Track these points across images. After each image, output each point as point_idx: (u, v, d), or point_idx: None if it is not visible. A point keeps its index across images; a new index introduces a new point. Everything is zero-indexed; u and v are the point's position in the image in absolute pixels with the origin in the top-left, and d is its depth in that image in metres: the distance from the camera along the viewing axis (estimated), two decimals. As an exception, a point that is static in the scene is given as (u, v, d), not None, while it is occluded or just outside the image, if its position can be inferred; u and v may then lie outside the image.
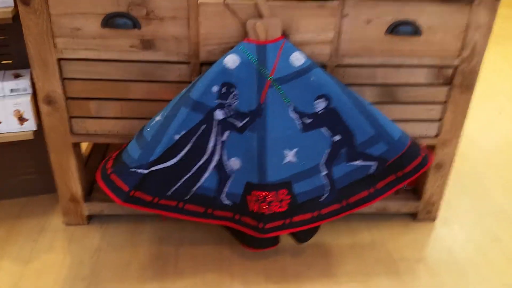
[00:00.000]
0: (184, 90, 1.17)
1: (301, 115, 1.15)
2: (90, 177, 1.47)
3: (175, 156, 1.14)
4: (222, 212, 1.24)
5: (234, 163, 1.18)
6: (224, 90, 1.12)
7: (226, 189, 1.21)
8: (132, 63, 1.21)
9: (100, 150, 1.65)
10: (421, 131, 1.35)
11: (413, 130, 1.34)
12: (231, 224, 1.26)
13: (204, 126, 1.13)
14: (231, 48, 1.14)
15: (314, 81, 1.13)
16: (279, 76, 1.12)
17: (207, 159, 1.17)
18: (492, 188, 1.71)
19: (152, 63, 1.21)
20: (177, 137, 1.12)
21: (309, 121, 1.16)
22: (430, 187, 1.46)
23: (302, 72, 1.12)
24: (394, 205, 1.50)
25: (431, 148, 1.39)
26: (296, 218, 1.23)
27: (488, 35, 1.22)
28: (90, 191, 1.47)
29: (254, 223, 1.21)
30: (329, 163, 1.21)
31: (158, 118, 1.15)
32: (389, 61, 1.24)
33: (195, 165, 1.17)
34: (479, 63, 1.26)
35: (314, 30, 1.15)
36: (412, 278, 1.32)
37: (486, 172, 1.79)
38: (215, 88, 1.11)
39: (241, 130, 1.15)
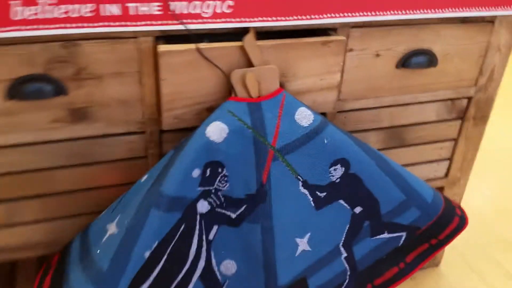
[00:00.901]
0: (145, 177, 0.80)
1: (314, 189, 0.85)
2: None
3: (148, 277, 0.78)
4: None
5: (227, 268, 0.85)
6: (208, 172, 0.78)
7: None
8: (57, 143, 0.81)
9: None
10: (430, 172, 1.12)
11: (421, 172, 1.11)
12: None
13: (184, 225, 0.79)
14: (209, 109, 0.79)
15: (329, 144, 0.83)
16: (284, 143, 0.80)
17: (189, 269, 0.82)
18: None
19: (87, 139, 0.82)
20: (148, 254, 0.76)
21: (323, 194, 0.86)
22: (435, 232, 1.24)
23: (312, 133, 0.82)
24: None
25: (440, 189, 1.17)
26: None
27: (507, 58, 1.01)
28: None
29: None
30: (349, 241, 0.92)
31: (111, 228, 0.79)
32: (399, 100, 0.98)
33: (175, 279, 0.81)
34: (495, 89, 1.05)
35: (317, 74, 0.85)
36: None
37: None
38: (196, 172, 0.77)
39: (236, 222, 0.82)
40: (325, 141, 0.83)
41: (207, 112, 0.81)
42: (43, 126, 0.78)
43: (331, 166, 0.85)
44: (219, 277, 0.85)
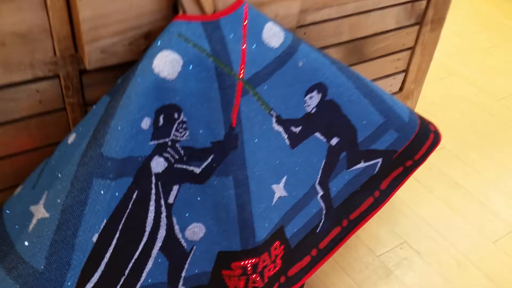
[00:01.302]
0: (72, 137, 0.60)
1: (289, 124, 0.70)
2: None
3: (98, 265, 0.60)
4: None
5: (193, 232, 0.70)
6: (161, 120, 0.60)
7: (184, 274, 0.72)
8: None
9: None
10: (386, 88, 1.02)
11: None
12: None
13: (136, 192, 0.61)
14: (148, 35, 0.59)
15: (304, 67, 0.68)
16: (254, 72, 0.64)
17: (147, 243, 0.66)
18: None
19: (-23, 93, 0.58)
20: (95, 237, 0.58)
21: (298, 129, 0.73)
22: (388, 150, 1.18)
23: (285, 56, 0.66)
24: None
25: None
26: (292, 271, 0.82)
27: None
28: None
29: None
30: (326, 178, 0.80)
31: (38, 211, 0.59)
32: (361, 7, 0.84)
33: (131, 259, 0.65)
34: (453, -12, 0.95)
35: (277, -21, 0.67)
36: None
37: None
38: (145, 123, 0.58)
39: (201, 178, 0.66)
40: (300, 64, 0.67)
41: (145, 39, 0.61)
42: None
43: (306, 94, 0.70)
44: (183, 244, 0.69)
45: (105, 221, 0.58)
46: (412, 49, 1.00)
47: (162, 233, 0.66)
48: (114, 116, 0.56)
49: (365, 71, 0.95)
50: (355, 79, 0.74)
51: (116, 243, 0.61)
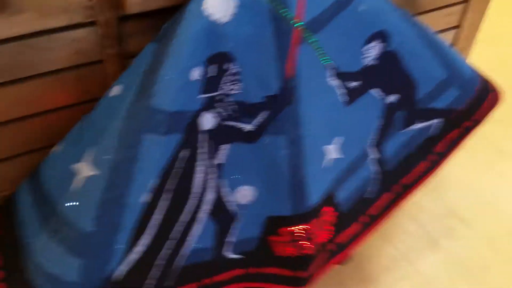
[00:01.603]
0: (116, 90, 0.55)
1: (344, 78, 0.64)
2: None
3: (145, 228, 0.56)
4: (226, 274, 0.71)
5: (243, 195, 0.65)
6: (212, 71, 0.54)
7: (230, 239, 0.67)
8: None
9: None
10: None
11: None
12: (243, 285, 0.74)
13: (184, 150, 0.55)
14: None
15: (364, 13, 0.61)
16: (312, 17, 0.57)
17: (192, 206, 0.61)
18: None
19: (11, 42, 0.53)
20: (144, 197, 0.53)
21: (354, 84, 0.66)
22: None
23: (344, 0, 0.59)
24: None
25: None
26: (341, 238, 0.77)
27: None
28: None
29: (288, 272, 0.72)
30: (379, 139, 0.74)
31: (83, 170, 0.54)
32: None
33: (176, 222, 0.60)
34: None
35: None
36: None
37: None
38: (194, 73, 0.53)
39: (252, 136, 0.60)
40: (360, 9, 0.60)
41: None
42: None
43: (365, 44, 0.64)
44: (232, 208, 0.64)
45: (154, 180, 0.53)
46: (466, 2, 0.92)
47: (210, 195, 0.61)
48: (163, 64, 0.51)
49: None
50: (418, 28, 0.67)
51: (162, 205, 0.56)
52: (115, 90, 0.55)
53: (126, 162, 0.51)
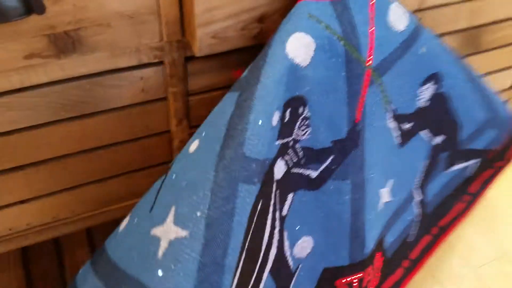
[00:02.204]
0: (194, 146, 0.52)
1: (401, 120, 0.63)
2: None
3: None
4: None
5: (302, 248, 0.61)
6: (288, 115, 0.52)
7: None
8: (38, 89, 0.53)
9: None
10: (500, 81, 0.92)
11: (493, 83, 0.90)
12: None
13: (261, 202, 0.52)
14: (261, 19, 0.53)
15: (425, 55, 0.60)
16: (381, 58, 0.56)
17: (260, 264, 0.56)
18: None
19: (81, 80, 0.55)
20: (239, 255, 0.49)
21: (407, 126, 0.65)
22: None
23: (410, 41, 0.59)
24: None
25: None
26: (387, 284, 0.74)
27: None
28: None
29: None
30: (424, 181, 0.72)
31: (170, 234, 0.48)
32: (483, -9, 0.75)
33: (249, 284, 0.55)
34: None
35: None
36: None
37: None
38: (275, 117, 0.50)
39: (317, 183, 0.58)
40: (422, 51, 0.59)
41: (259, 23, 0.55)
42: (13, 66, 0.50)
43: (421, 86, 0.62)
44: (290, 263, 0.61)
45: (242, 236, 0.49)
46: (530, 40, 0.89)
47: (273, 251, 0.56)
48: (252, 108, 0.48)
49: (480, 62, 0.85)
50: (467, 72, 0.66)
51: (242, 265, 0.51)
52: (194, 145, 0.52)
53: (224, 217, 0.47)
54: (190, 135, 0.63)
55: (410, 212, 0.74)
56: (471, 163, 0.77)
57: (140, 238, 0.49)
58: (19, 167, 0.57)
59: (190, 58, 0.58)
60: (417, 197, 0.73)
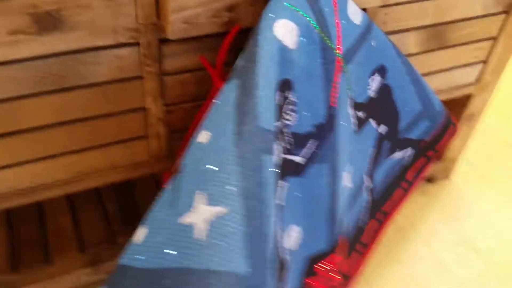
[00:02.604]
0: (204, 136, 0.51)
1: (357, 108, 0.68)
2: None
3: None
4: None
5: (289, 237, 0.62)
6: (279, 98, 0.55)
7: None
8: (21, 64, 0.58)
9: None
10: (462, 78, 0.97)
11: (453, 79, 0.96)
12: None
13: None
14: (230, 8, 0.58)
15: (375, 48, 0.65)
16: (346, 47, 0.60)
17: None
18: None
19: (61, 56, 0.59)
20: (271, 221, 0.50)
21: (361, 114, 0.70)
22: (455, 142, 1.13)
23: (365, 34, 0.64)
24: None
25: (467, 96, 1.04)
26: (345, 268, 0.80)
27: None
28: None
29: None
30: (372, 168, 0.78)
31: (206, 214, 0.47)
32: (448, -11, 0.79)
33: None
34: (550, -25, 0.87)
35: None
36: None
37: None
38: (276, 97, 0.53)
39: (301, 168, 0.60)
40: (373, 44, 0.64)
41: (228, 12, 0.59)
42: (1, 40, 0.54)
43: (370, 76, 0.67)
44: (282, 256, 0.60)
45: (273, 206, 0.49)
46: (495, 39, 0.93)
47: (271, 244, 0.51)
48: (258, 85, 0.49)
49: (444, 58, 0.90)
50: (407, 65, 0.71)
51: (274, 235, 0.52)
52: (204, 137, 0.51)
53: (257, 187, 0.47)
54: (164, 112, 0.68)
55: (362, 198, 0.79)
56: (407, 151, 0.82)
57: (170, 232, 0.48)
58: (2, 135, 0.62)
59: (165, 41, 0.63)
60: (367, 183, 0.78)
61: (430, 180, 1.21)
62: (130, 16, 0.59)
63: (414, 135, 0.81)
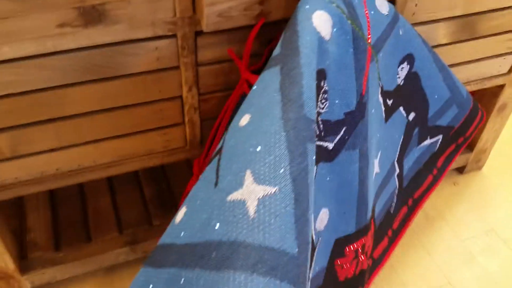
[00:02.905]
0: (246, 119, 0.53)
1: (386, 96, 0.70)
2: (20, 235, 0.91)
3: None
4: None
5: (321, 220, 0.64)
6: (316, 88, 0.55)
7: (310, 275, 0.62)
8: (67, 54, 0.62)
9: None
10: (494, 68, 0.97)
11: (486, 69, 0.96)
12: None
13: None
14: (262, 2, 0.61)
15: (402, 37, 0.66)
16: (376, 37, 0.62)
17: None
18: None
19: (104, 47, 0.63)
20: (312, 207, 0.52)
21: (391, 102, 0.71)
22: (487, 133, 1.12)
23: (392, 23, 0.66)
24: (441, 162, 1.15)
25: (500, 87, 1.04)
26: (377, 252, 0.82)
27: None
28: (24, 255, 0.91)
29: None
30: (402, 155, 0.79)
31: (258, 192, 0.47)
32: (479, -20, 0.79)
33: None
34: None
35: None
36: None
37: None
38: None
39: (332, 154, 0.61)
40: (400, 32, 0.66)
41: (259, 5, 0.62)
42: (47, 33, 0.59)
43: (399, 65, 0.69)
44: (314, 237, 0.61)
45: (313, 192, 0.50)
46: (528, 28, 0.93)
47: (311, 227, 0.52)
48: (303, 75, 0.51)
49: (475, 48, 0.90)
50: (433, 53, 0.73)
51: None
52: (246, 119, 0.52)
53: (303, 172, 0.48)
54: (199, 100, 0.72)
55: (392, 184, 0.81)
56: (437, 139, 0.84)
57: (217, 208, 0.48)
58: (51, 119, 0.67)
59: (200, 33, 0.66)
60: (397, 169, 0.80)
61: (461, 170, 1.21)
62: (168, 10, 0.62)
63: (443, 122, 0.82)
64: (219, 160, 0.52)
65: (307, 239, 0.47)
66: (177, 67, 0.68)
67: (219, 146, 0.54)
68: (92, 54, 0.63)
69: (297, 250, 0.45)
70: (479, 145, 1.15)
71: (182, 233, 0.50)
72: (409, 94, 0.75)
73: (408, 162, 0.83)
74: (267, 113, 0.50)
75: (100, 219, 0.98)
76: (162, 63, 0.67)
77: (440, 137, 0.85)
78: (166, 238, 0.53)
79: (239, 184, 0.48)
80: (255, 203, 0.46)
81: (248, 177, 0.47)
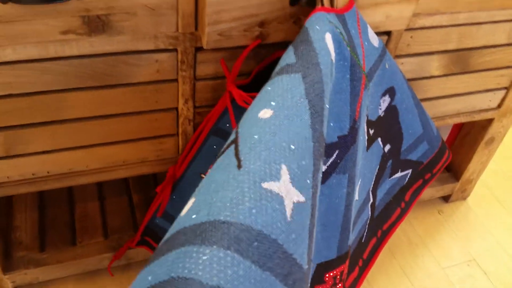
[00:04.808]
0: (268, 113, 0.49)
1: (369, 125, 0.72)
2: (6, 234, 0.91)
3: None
4: None
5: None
6: None
7: None
8: (69, 60, 0.64)
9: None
10: (484, 102, 1.00)
11: (476, 102, 0.98)
12: None
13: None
14: (261, 24, 0.63)
15: (387, 70, 0.69)
16: (369, 67, 0.65)
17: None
18: None
19: (106, 56, 0.65)
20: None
21: (372, 132, 0.73)
22: (473, 164, 1.15)
23: (381, 56, 0.68)
24: (427, 191, 1.17)
25: (489, 121, 1.06)
26: (348, 281, 0.83)
27: None
28: (9, 253, 0.91)
29: None
30: (376, 185, 0.81)
31: (292, 196, 0.45)
32: (473, 18, 0.82)
33: None
34: None
35: (394, -18, 0.68)
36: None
37: None
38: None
39: (324, 177, 0.62)
40: (387, 66, 0.68)
41: (259, 27, 0.64)
42: (51, 39, 0.60)
43: (382, 97, 0.71)
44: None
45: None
46: (519, 66, 0.96)
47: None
48: (324, 92, 0.51)
49: (467, 82, 0.93)
50: (411, 89, 0.76)
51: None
52: (267, 113, 0.49)
53: (316, 188, 0.47)
54: (194, 113, 0.74)
55: (366, 213, 0.82)
56: (407, 173, 0.86)
57: (249, 189, 0.43)
58: (47, 122, 0.68)
59: (199, 49, 0.68)
60: (371, 199, 0.82)
61: (446, 199, 1.24)
62: (171, 25, 0.64)
63: (414, 156, 0.85)
64: (236, 147, 0.47)
65: (311, 256, 0.46)
66: (175, 80, 0.70)
67: (231, 138, 0.50)
68: (95, 62, 0.65)
69: (306, 267, 0.44)
70: (466, 175, 1.17)
71: (194, 215, 0.43)
72: (387, 126, 0.77)
73: (380, 193, 0.85)
74: (296, 114, 0.48)
75: (86, 223, 0.98)
76: (162, 75, 0.69)
77: (409, 171, 0.86)
78: (169, 232, 0.45)
79: (275, 176, 0.44)
80: (291, 206, 0.44)
81: (285, 173, 0.45)
